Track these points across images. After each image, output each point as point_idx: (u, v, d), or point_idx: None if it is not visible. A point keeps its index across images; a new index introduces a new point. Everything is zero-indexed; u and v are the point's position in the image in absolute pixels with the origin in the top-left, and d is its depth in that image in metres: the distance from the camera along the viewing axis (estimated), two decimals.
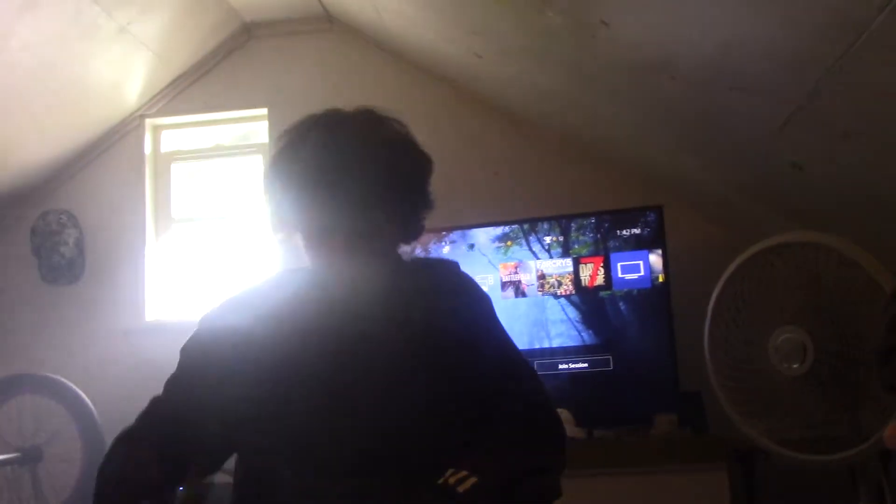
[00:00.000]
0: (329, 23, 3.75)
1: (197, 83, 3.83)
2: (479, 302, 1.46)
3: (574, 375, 2.99)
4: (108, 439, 3.14)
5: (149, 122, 3.86)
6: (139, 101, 3.79)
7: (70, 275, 3.76)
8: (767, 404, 2.39)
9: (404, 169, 1.40)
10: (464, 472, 1.22)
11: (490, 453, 1.29)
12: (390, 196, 1.37)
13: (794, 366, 2.27)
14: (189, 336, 1.47)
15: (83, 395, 3.24)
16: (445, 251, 3.12)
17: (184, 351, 1.45)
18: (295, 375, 1.32)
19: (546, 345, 3.00)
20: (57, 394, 3.26)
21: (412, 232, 1.44)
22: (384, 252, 1.41)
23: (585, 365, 3.00)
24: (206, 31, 3.70)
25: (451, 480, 1.21)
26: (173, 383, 1.43)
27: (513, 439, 1.32)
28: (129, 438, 1.36)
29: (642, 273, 3.00)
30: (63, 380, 3.27)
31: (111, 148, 3.84)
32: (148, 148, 3.86)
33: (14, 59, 3.03)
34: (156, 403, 1.41)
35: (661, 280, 2.98)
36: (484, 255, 3.13)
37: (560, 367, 2.98)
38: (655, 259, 3.00)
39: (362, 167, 1.34)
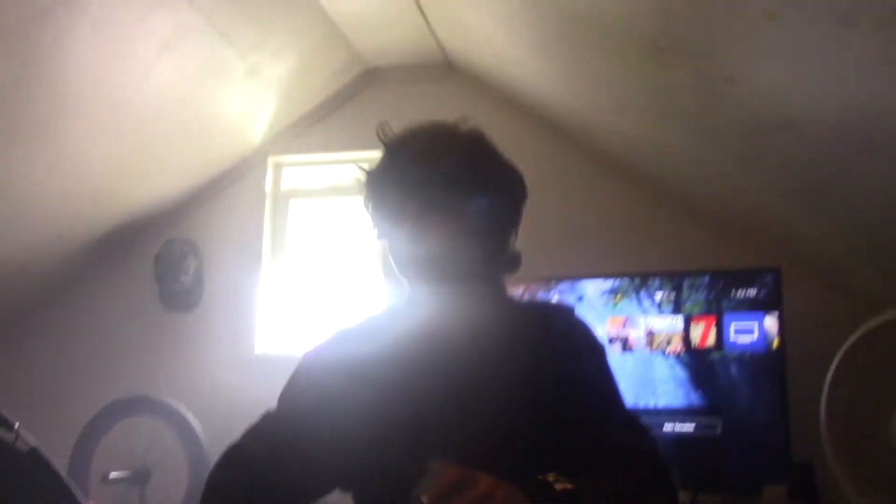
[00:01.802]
0: (450, 70, 3.82)
1: (319, 123, 3.95)
2: (591, 350, 1.40)
3: (680, 437, 2.90)
4: (212, 465, 3.23)
5: (271, 159, 4.01)
6: (263, 139, 3.94)
7: (187, 302, 3.90)
8: (889, 482, 2.27)
9: (512, 195, 1.37)
10: (565, 481, 1.17)
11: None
12: (495, 224, 1.34)
13: None
14: (296, 367, 1.46)
15: (192, 421, 3.34)
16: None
17: (294, 381, 1.43)
18: (404, 416, 1.31)
19: (652, 404, 2.92)
20: (169, 417, 3.37)
21: (514, 262, 1.40)
22: (492, 286, 1.38)
23: (692, 427, 2.91)
24: (331, 74, 3.82)
25: (550, 478, 1.17)
26: (284, 413, 1.40)
27: (620, 488, 1.25)
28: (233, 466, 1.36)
29: (756, 336, 2.91)
30: (175, 404, 3.38)
31: (235, 182, 3.99)
32: (269, 184, 4.00)
33: (151, 95, 3.21)
34: (263, 434, 1.39)
35: (776, 345, 2.88)
36: (592, 307, 3.09)
37: (665, 427, 2.90)
38: (771, 322, 2.90)
39: (467, 189, 1.31)
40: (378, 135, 1.39)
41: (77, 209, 3.55)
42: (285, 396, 1.43)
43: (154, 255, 3.97)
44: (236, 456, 1.37)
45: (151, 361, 3.80)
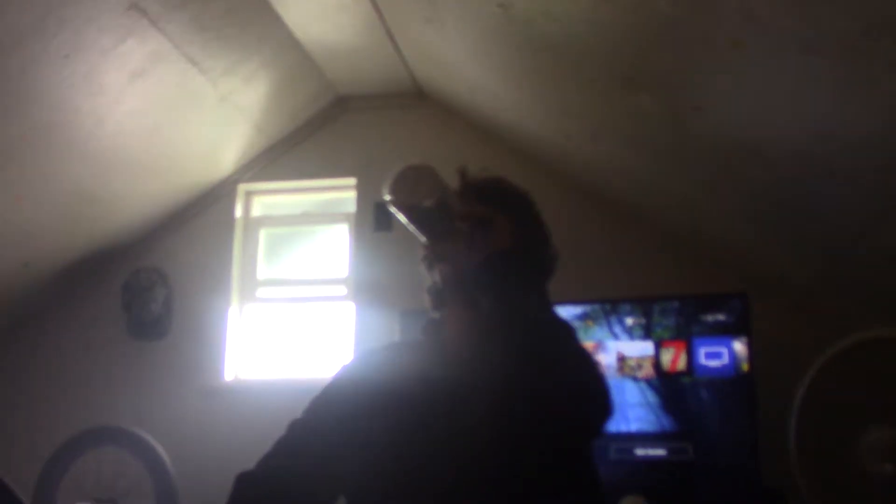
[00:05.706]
0: (421, 99, 3.85)
1: (290, 151, 3.95)
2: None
3: (651, 462, 2.92)
4: (181, 495, 3.19)
5: (241, 187, 3.99)
6: (234, 167, 3.93)
7: (156, 331, 3.86)
8: None
9: (550, 250, 1.52)
10: None
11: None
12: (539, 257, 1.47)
13: (887, 466, 2.18)
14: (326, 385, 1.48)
15: (160, 451, 3.29)
16: None
17: (325, 394, 1.47)
18: (435, 433, 1.34)
19: (624, 429, 2.94)
20: (136, 448, 3.31)
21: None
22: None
23: (663, 452, 2.93)
24: (302, 102, 3.83)
25: None
26: (308, 430, 1.43)
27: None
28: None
29: (726, 361, 2.94)
30: (142, 434, 3.33)
31: (204, 210, 3.97)
32: (238, 212, 3.98)
33: (122, 122, 3.19)
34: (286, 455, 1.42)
35: (745, 369, 2.91)
36: None
37: (637, 452, 2.92)
38: (740, 347, 2.93)
39: (527, 222, 1.48)
40: (458, 171, 1.53)
41: (44, 237, 3.51)
42: (316, 406, 1.47)
43: (122, 285, 3.92)
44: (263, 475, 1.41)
45: (119, 391, 3.75)
